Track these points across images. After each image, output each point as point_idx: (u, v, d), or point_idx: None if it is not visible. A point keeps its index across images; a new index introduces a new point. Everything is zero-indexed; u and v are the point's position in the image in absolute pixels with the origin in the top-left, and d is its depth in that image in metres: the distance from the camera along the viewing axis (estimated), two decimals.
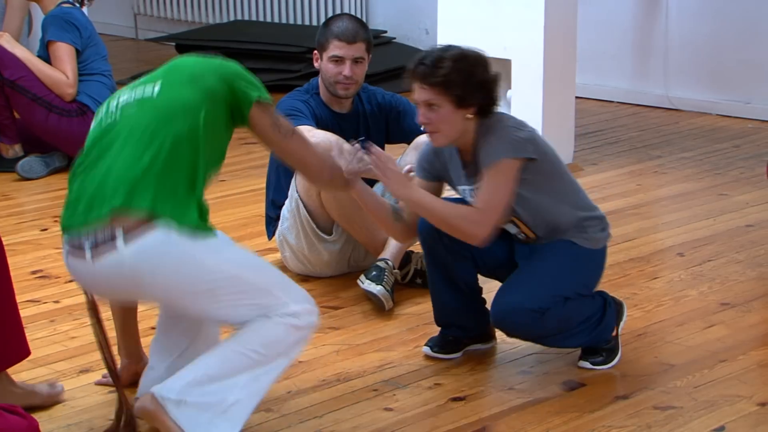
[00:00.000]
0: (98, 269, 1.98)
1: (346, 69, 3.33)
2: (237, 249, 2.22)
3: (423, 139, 3.13)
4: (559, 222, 2.52)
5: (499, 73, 2.59)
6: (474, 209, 2.43)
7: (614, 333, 2.69)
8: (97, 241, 1.92)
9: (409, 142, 3.53)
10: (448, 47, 2.48)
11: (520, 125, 2.54)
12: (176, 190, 1.99)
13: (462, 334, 2.79)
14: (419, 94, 2.46)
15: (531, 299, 2.49)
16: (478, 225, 2.38)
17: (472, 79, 2.44)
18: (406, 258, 3.44)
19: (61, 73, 4.44)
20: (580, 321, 2.59)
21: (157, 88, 2.12)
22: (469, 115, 2.45)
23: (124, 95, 2.16)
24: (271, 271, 2.20)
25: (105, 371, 2.60)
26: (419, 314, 3.27)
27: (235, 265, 2.08)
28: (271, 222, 3.60)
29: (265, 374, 2.14)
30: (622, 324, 2.80)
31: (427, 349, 2.85)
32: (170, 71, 2.27)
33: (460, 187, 2.60)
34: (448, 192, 2.84)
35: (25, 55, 4.51)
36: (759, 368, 2.82)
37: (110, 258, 1.92)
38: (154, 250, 1.95)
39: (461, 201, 2.67)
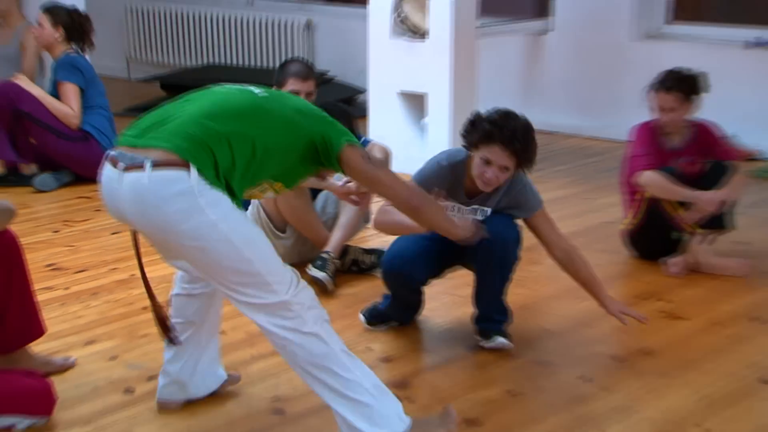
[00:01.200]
0: (123, 182, 2.00)
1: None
2: (244, 222, 2.15)
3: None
4: None
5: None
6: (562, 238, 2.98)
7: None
8: (134, 162, 1.96)
9: None
10: (524, 121, 2.75)
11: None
12: (217, 167, 1.98)
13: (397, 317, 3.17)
14: (500, 157, 2.73)
15: (515, 231, 2.90)
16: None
17: (534, 154, 2.80)
18: (345, 250, 3.81)
19: (68, 107, 4.87)
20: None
21: (262, 93, 2.19)
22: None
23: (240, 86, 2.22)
24: (262, 251, 2.12)
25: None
26: (355, 294, 3.66)
27: (231, 230, 2.02)
28: None
29: (332, 378, 2.10)
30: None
31: (362, 317, 3.21)
32: (278, 94, 2.43)
33: (455, 204, 2.91)
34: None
35: (39, 92, 4.93)
36: (614, 332, 3.22)
37: (134, 175, 1.95)
38: (168, 184, 1.96)
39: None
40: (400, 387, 2.84)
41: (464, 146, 2.79)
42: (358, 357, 2.28)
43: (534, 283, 3.73)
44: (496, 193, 2.92)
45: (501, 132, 2.51)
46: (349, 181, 3.29)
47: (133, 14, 8.19)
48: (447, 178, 2.91)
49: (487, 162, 2.74)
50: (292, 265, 3.02)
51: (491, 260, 2.92)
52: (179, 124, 2.02)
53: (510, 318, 3.12)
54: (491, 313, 3.01)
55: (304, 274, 3.71)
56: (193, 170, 1.93)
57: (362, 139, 3.96)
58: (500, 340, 2.97)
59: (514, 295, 3.38)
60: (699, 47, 5.66)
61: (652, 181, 3.69)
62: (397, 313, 3.28)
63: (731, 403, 2.88)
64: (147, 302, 2.81)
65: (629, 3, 5.98)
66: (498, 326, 3.01)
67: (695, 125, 3.85)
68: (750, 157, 5.51)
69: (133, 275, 3.89)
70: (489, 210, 2.95)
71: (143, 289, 2.72)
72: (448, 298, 3.70)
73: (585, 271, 2.98)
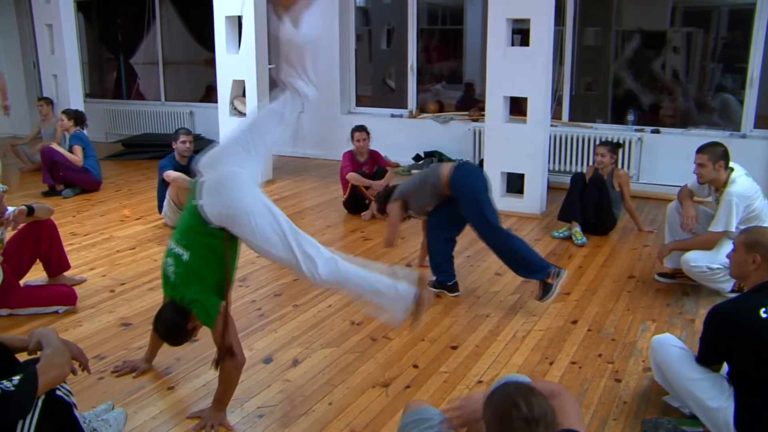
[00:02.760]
0: None
1: (187, 145, 6.41)
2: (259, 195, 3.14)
3: None
4: None
5: None
6: None
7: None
8: None
9: None
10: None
11: None
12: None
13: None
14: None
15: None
16: None
17: None
18: None
19: (77, 157, 7.84)
20: None
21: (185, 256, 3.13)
22: None
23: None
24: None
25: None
26: None
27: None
28: (160, 206, 6.52)
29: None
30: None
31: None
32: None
33: None
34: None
35: (63, 151, 7.85)
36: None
37: None
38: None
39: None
40: None
41: None
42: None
43: None
44: None
45: None
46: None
47: (107, 113, 12.11)
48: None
49: None
50: None
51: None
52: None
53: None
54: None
55: None
56: None
57: None
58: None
59: None
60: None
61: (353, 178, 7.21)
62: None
63: None
64: (122, 247, 5.52)
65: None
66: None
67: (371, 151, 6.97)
68: (395, 165, 8.93)
69: (112, 236, 6.19)
70: None
71: (118, 242, 5.39)
72: None
73: None
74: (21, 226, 4.70)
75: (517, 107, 7.20)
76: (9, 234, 4.69)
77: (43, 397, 2.38)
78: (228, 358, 3.11)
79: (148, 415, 3.33)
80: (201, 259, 3.08)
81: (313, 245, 3.12)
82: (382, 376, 3.70)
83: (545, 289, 4.39)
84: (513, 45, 6.89)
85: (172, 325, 3.18)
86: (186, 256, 3.07)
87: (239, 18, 8.41)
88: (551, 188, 7.41)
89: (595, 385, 3.59)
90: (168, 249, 3.20)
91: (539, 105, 6.74)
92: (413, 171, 8.99)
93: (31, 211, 4.66)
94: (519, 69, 6.71)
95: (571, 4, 8.41)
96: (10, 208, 4.54)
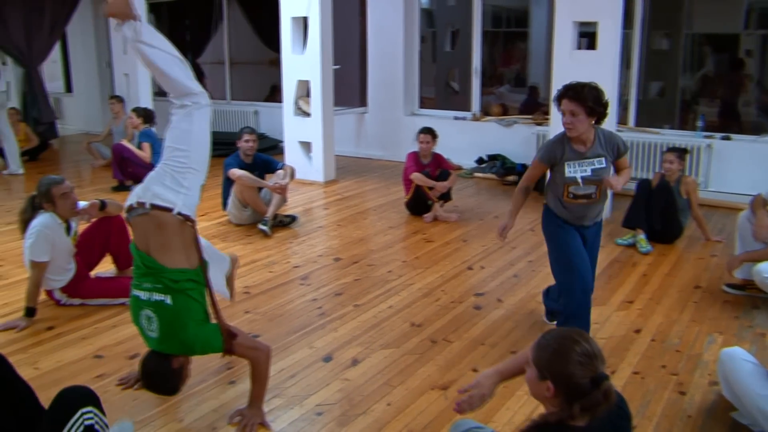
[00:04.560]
0: None
1: (250, 144, 6.46)
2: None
3: (279, 172, 6.71)
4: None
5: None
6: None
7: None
8: None
9: (272, 172, 6.48)
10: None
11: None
12: None
13: None
14: (566, 105, 3.53)
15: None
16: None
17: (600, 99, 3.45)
18: (274, 216, 6.22)
19: (145, 154, 8.18)
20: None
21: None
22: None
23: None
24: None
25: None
26: (284, 238, 6.13)
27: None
28: (225, 203, 6.62)
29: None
30: None
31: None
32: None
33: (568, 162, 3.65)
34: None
35: (132, 148, 8.25)
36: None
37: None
38: None
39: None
40: None
41: None
42: None
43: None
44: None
45: None
46: (277, 183, 6.02)
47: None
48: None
49: None
50: (249, 224, 5.94)
51: None
52: None
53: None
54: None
55: (255, 228, 6.19)
56: None
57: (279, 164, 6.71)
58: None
59: None
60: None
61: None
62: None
63: (454, 276, 5.48)
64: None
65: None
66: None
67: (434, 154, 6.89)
68: (458, 168, 8.90)
69: None
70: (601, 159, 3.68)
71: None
72: None
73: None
74: (94, 219, 4.82)
75: None
76: (81, 227, 4.81)
77: (82, 429, 2.38)
78: (253, 351, 3.15)
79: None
80: (186, 297, 3.00)
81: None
82: (441, 378, 3.70)
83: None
84: (579, 48, 6.81)
85: (159, 373, 3.08)
86: (168, 299, 2.96)
87: (305, 19, 8.51)
88: (616, 194, 7.27)
89: (659, 397, 3.51)
90: (138, 300, 3.02)
91: None
92: (476, 174, 8.99)
93: (103, 205, 4.81)
94: (585, 72, 6.51)
95: (640, 7, 8.27)
96: (82, 203, 4.67)
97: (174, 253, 2.98)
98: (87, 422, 2.37)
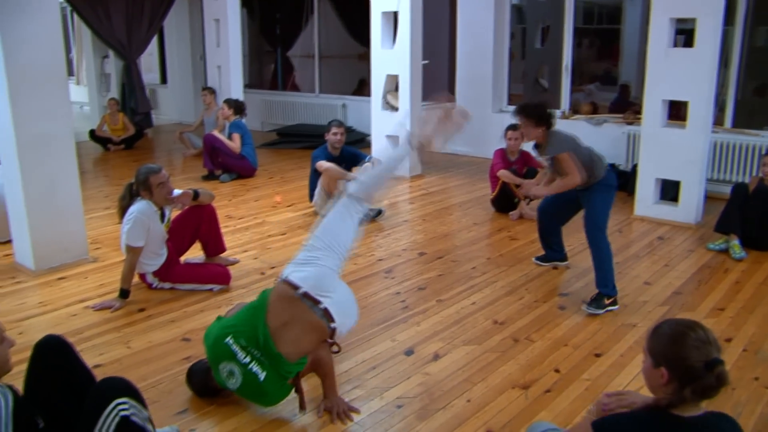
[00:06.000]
0: None
1: (338, 136, 6.55)
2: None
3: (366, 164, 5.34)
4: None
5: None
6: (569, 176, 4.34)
7: None
8: None
9: (358, 165, 6.17)
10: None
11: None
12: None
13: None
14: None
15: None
16: (574, 178, 4.27)
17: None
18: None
19: (235, 145, 8.25)
20: None
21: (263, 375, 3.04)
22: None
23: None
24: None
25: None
26: (369, 231, 5.95)
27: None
28: (311, 194, 6.77)
29: None
30: None
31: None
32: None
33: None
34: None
35: (223, 138, 8.32)
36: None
37: None
38: None
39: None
40: None
41: None
42: None
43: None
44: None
45: None
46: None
47: (264, 103, 12.57)
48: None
49: None
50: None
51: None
52: None
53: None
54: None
55: None
56: None
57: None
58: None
59: None
60: None
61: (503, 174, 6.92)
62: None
63: (539, 275, 5.41)
64: (274, 232, 5.72)
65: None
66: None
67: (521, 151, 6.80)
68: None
69: (264, 221, 6.47)
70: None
71: (270, 227, 5.56)
72: None
73: None
74: (186, 207, 4.98)
75: (675, 111, 6.91)
76: (174, 213, 4.98)
77: (117, 420, 2.41)
78: (313, 363, 3.24)
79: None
80: (280, 378, 3.12)
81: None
82: (522, 377, 3.68)
83: (597, 302, 4.47)
84: (675, 46, 6.60)
85: (203, 386, 3.35)
86: (263, 376, 3.07)
87: (395, 14, 8.54)
88: (709, 198, 7.08)
89: (750, 411, 3.37)
90: (230, 353, 3.09)
91: (700, 110, 6.42)
92: None
93: (196, 195, 4.97)
94: (681, 71, 6.43)
95: (743, 3, 7.92)
96: (176, 191, 4.84)
97: (300, 347, 3.09)
98: (123, 413, 2.38)
